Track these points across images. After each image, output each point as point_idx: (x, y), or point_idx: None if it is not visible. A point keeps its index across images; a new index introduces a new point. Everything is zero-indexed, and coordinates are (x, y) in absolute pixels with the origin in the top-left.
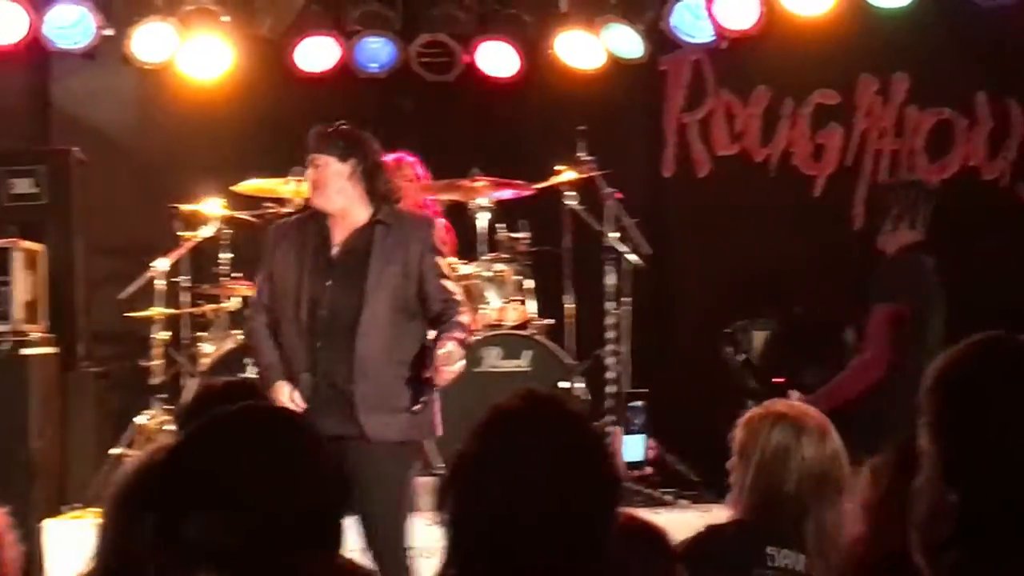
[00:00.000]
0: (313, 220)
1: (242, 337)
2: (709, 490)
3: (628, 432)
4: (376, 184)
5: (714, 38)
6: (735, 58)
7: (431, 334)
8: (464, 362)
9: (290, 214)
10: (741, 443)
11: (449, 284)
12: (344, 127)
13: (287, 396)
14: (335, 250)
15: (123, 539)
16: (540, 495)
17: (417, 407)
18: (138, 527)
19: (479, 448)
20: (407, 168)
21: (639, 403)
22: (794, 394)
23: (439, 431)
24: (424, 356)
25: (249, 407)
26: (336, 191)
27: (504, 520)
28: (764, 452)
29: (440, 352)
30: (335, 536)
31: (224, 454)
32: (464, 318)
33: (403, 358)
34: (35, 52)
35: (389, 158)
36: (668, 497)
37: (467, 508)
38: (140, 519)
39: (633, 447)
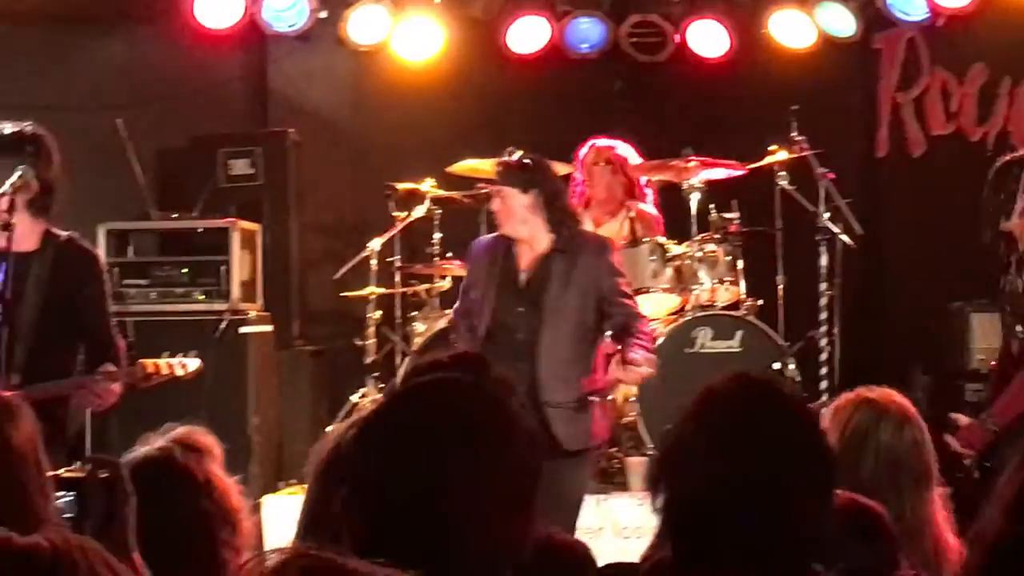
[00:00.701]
0: (504, 240)
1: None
2: None
3: None
4: (555, 211)
5: (929, 15)
6: (950, 36)
7: (609, 342)
8: (651, 370)
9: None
10: (827, 426)
11: (631, 301)
12: (525, 159)
13: None
14: (522, 276)
15: (320, 509)
16: (754, 478)
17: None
18: (334, 498)
19: (692, 430)
20: (614, 155)
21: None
22: (961, 418)
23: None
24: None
25: (441, 380)
26: (520, 221)
27: (717, 503)
28: (843, 434)
29: (631, 355)
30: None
31: (414, 427)
32: (648, 327)
33: (580, 378)
34: (252, 35)
35: (593, 144)
36: None
37: (680, 490)
38: (335, 490)
39: None
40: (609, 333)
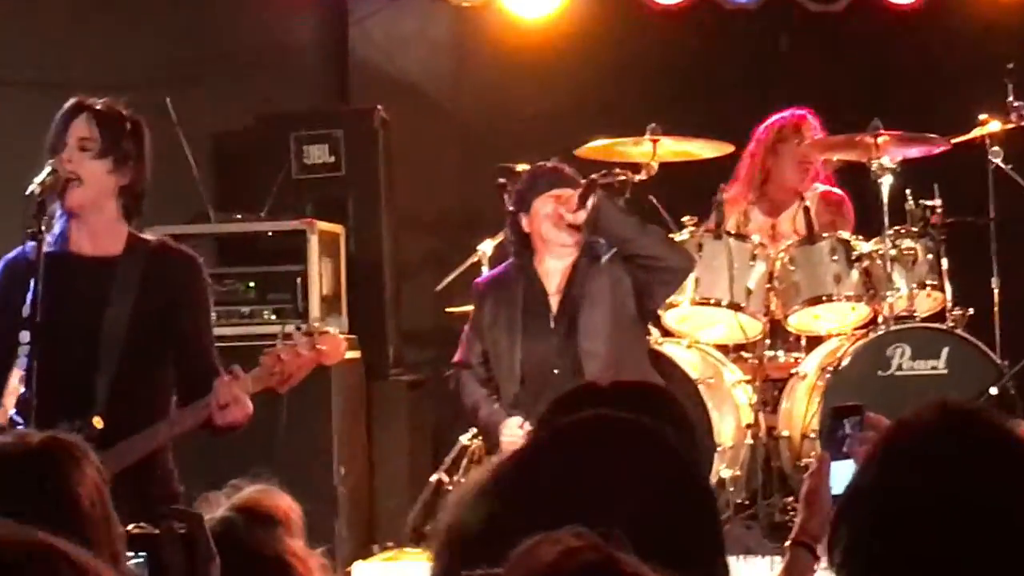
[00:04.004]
0: (518, 266)
1: None
2: None
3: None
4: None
5: None
6: None
7: None
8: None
9: (644, 182)
10: None
11: None
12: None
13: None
14: (552, 300)
15: None
16: (961, 531)
17: None
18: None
19: (878, 476)
20: (804, 128)
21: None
22: None
23: None
24: None
25: (604, 417)
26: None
27: (922, 561)
28: None
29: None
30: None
31: (573, 477)
32: None
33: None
34: None
35: (778, 118)
36: None
37: (869, 546)
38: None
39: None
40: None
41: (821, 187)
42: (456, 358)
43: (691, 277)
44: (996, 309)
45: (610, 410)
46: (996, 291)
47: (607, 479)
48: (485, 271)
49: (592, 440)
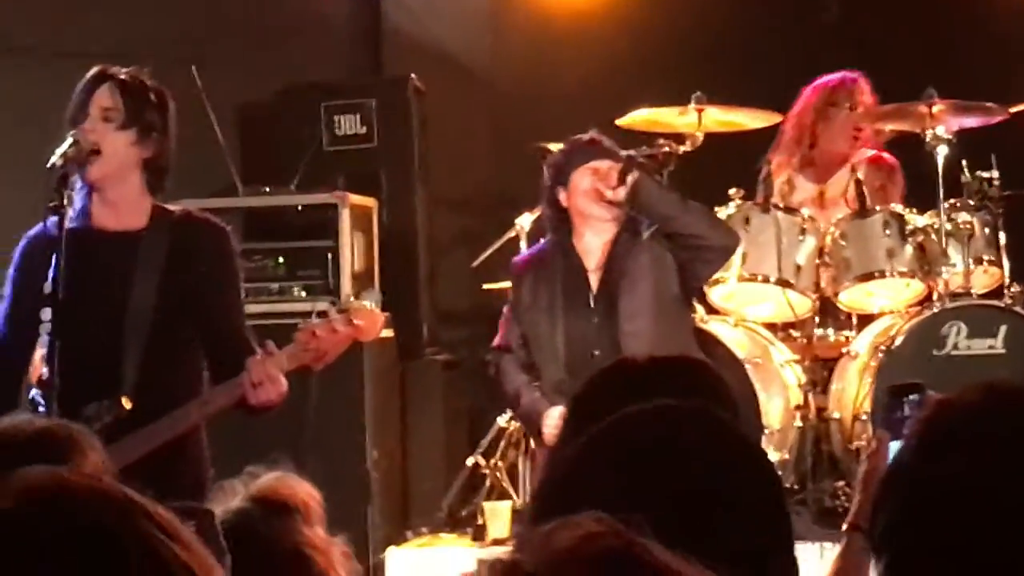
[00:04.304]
0: (557, 243)
1: None
2: None
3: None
4: None
5: None
6: None
7: None
8: None
9: (689, 153)
10: None
11: None
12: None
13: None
14: (592, 278)
15: None
16: (1001, 521)
17: None
18: None
19: (917, 459)
20: (856, 92)
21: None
22: None
23: None
24: None
25: (671, 410)
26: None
27: (956, 552)
28: None
29: None
30: None
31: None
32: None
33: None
34: None
35: (830, 79)
36: None
37: (904, 533)
38: None
39: None
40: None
41: (870, 152)
42: (496, 342)
43: (738, 252)
44: None
45: (649, 390)
46: None
47: (667, 473)
48: (523, 246)
49: (652, 432)
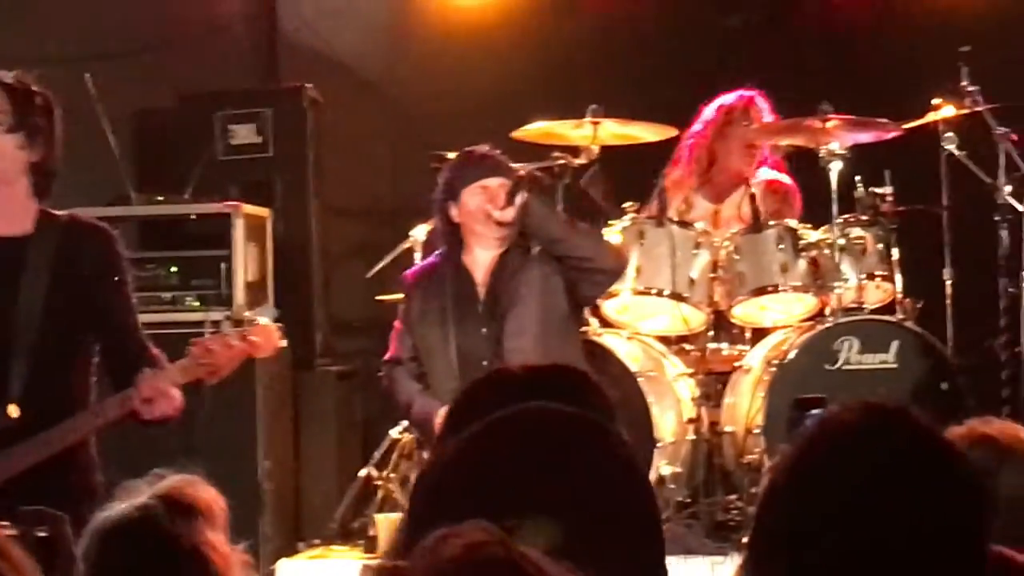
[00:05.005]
0: (449, 257)
1: None
2: None
3: None
4: None
5: None
6: None
7: None
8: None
9: (585, 166)
10: None
11: None
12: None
13: None
14: (481, 290)
15: None
16: (873, 541)
17: None
18: None
19: (792, 480)
20: (752, 110)
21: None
22: None
23: None
24: None
25: (538, 411)
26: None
27: (832, 571)
28: None
29: None
30: None
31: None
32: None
33: None
34: None
35: (727, 99)
36: None
37: (775, 549)
38: None
39: None
40: None
41: (768, 174)
42: (388, 355)
43: (633, 265)
44: (948, 301)
45: (526, 397)
46: (948, 282)
47: (544, 475)
48: (417, 258)
49: (529, 433)
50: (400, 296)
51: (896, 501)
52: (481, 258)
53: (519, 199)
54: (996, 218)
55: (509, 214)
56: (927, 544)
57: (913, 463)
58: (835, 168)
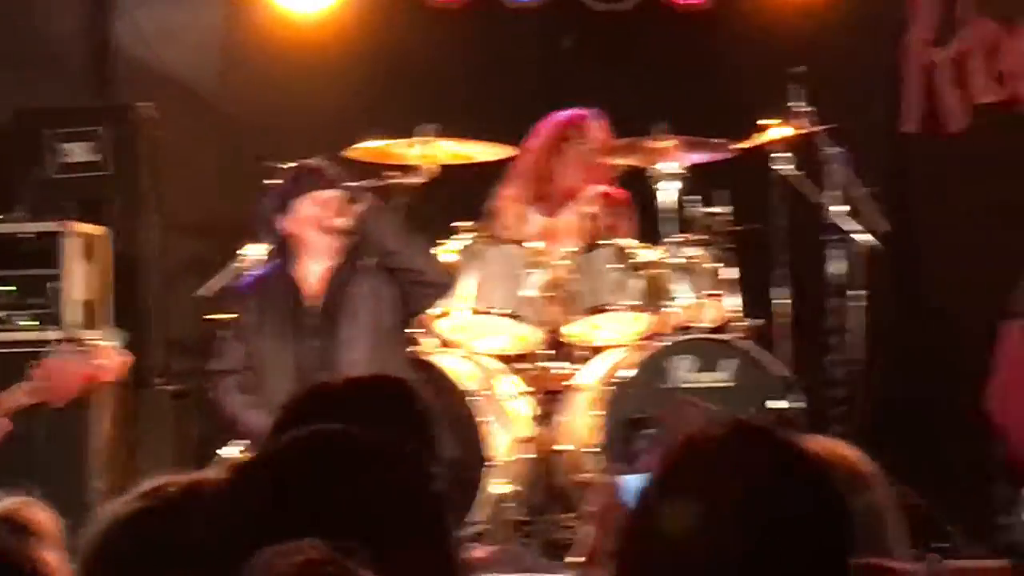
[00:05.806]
0: (278, 271)
1: None
2: (971, 541)
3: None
4: None
5: None
6: None
7: None
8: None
9: (418, 186)
10: None
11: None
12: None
13: None
14: (308, 304)
15: None
16: (743, 556)
17: None
18: None
19: (661, 496)
20: (587, 129)
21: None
22: None
23: None
24: None
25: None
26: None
27: None
28: None
29: None
30: None
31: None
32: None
33: None
34: None
35: (563, 116)
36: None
37: (644, 568)
38: None
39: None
40: None
41: (601, 187)
42: (216, 366)
43: (473, 284)
44: (783, 320)
45: (343, 411)
46: (783, 301)
47: (327, 496)
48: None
49: (312, 457)
50: (230, 316)
51: (763, 516)
52: (312, 271)
53: (356, 208)
54: (826, 238)
55: (343, 222)
56: (796, 558)
57: (781, 479)
58: (665, 187)
